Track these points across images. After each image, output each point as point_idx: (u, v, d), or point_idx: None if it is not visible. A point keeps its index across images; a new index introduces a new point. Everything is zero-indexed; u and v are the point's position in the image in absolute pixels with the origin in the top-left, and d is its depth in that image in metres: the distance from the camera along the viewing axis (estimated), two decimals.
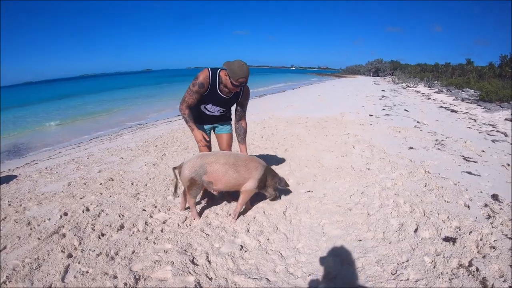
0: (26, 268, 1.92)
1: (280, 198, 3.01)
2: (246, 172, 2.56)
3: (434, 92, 14.93)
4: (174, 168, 2.57)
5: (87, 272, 1.92)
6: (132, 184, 3.51)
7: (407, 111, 8.87)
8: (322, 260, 2.03)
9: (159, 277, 1.90)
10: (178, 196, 2.80)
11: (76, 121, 11.48)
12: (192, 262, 2.05)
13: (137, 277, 1.87)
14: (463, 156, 4.30)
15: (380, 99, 12.33)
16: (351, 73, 52.25)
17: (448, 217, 2.46)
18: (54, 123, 11.00)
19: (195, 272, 1.94)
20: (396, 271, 1.85)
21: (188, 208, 2.76)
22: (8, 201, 3.02)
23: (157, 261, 2.04)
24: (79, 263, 1.99)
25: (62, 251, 2.12)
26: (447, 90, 14.79)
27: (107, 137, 7.40)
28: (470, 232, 2.22)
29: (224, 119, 2.93)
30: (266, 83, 30.73)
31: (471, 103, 10.25)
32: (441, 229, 2.28)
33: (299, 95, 16.28)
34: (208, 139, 2.72)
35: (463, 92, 13.40)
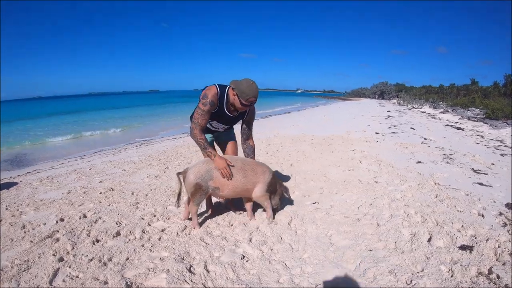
0: (15, 269, 1.82)
1: (282, 208, 2.87)
2: (254, 176, 2.48)
3: (440, 112, 14.85)
4: (178, 173, 2.47)
5: (77, 276, 1.79)
6: (133, 194, 3.42)
7: (413, 129, 8.77)
8: (330, 271, 1.88)
9: (152, 284, 1.76)
10: (179, 206, 2.70)
11: (82, 136, 11.58)
12: (189, 270, 1.91)
13: (129, 283, 1.74)
14: (473, 168, 4.20)
15: (386, 118, 12.27)
16: (356, 96, 52.71)
17: (462, 226, 2.32)
18: (61, 138, 11.11)
19: (191, 281, 1.80)
20: (411, 281, 1.68)
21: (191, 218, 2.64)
22: (6, 206, 2.95)
23: (151, 268, 1.90)
24: (69, 267, 1.87)
25: (53, 254, 2.01)
26: (452, 110, 14.71)
27: (111, 151, 7.40)
28: (487, 240, 2.07)
29: (227, 129, 2.87)
30: (271, 105, 31.07)
31: (477, 121, 10.13)
32: (456, 238, 2.13)
33: (305, 116, 16.32)
34: (232, 165, 2.45)
35: (468, 111, 13.31)
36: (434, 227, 2.31)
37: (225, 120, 2.61)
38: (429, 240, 2.13)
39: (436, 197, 3.00)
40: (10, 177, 4.49)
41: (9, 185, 3.74)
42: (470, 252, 1.93)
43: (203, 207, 2.95)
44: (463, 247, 1.99)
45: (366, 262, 1.92)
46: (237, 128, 2.81)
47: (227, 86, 2.49)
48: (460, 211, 2.63)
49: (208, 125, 2.65)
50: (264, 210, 2.73)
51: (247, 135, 2.79)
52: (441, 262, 1.85)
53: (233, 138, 2.94)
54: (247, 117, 2.69)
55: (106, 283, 1.74)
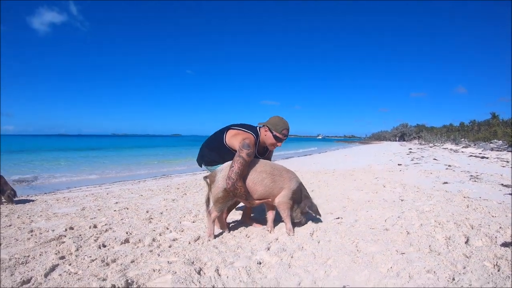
0: (12, 261, 1.71)
1: (306, 223, 2.62)
2: (281, 181, 2.37)
3: (462, 147, 14.22)
4: (205, 177, 2.37)
5: (76, 273, 1.64)
6: (147, 212, 3.31)
7: (436, 159, 8.34)
8: (359, 273, 1.62)
9: (156, 285, 1.56)
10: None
11: (104, 169, 11.81)
12: (198, 273, 1.70)
13: (129, 281, 1.56)
14: (502, 184, 3.87)
15: (407, 154, 11.85)
16: (377, 139, 51.95)
17: (500, 227, 2.05)
18: (81, 168, 11.45)
19: (199, 282, 1.59)
20: (453, 278, 1.41)
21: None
22: (18, 216, 2.93)
23: (157, 269, 1.72)
24: (69, 264, 1.74)
25: (55, 253, 1.89)
26: (474, 144, 14.08)
27: (131, 181, 7.45)
28: None
29: None
30: (292, 148, 31.07)
31: (500, 151, 9.56)
32: (495, 238, 1.85)
33: (326, 156, 16.03)
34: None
35: (491, 144, 12.66)
36: (470, 231, 2.04)
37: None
38: (467, 242, 1.87)
39: (467, 207, 2.75)
40: (28, 195, 4.54)
41: (25, 201, 3.77)
42: None
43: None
44: (505, 244, 1.73)
45: (399, 264, 1.64)
46: None
47: (255, 127, 2.48)
48: (495, 216, 2.38)
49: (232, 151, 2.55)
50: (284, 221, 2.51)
51: (268, 159, 2.71)
52: (484, 259, 1.59)
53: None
54: (268, 154, 2.65)
55: (104, 280, 1.57)
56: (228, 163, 2.33)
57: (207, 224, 2.39)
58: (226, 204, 2.31)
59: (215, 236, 2.39)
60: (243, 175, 2.24)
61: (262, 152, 2.55)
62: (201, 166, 2.69)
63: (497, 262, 1.55)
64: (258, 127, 2.46)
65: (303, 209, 2.49)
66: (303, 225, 2.57)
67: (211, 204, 2.37)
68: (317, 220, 2.79)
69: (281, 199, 2.37)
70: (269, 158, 2.66)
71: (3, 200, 3.61)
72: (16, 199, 3.73)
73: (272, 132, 2.34)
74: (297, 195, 2.44)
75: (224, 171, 2.29)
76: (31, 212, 3.17)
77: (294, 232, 2.41)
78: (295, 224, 2.53)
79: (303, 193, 2.51)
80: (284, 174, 2.41)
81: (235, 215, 3.09)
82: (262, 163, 2.37)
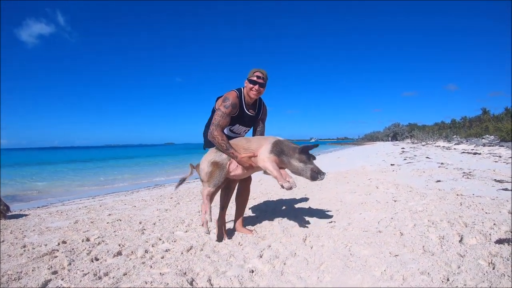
0: (5, 277, 1.70)
1: (322, 179, 2.18)
2: (257, 142, 2.34)
3: (454, 144, 14.46)
4: (191, 164, 2.49)
5: None
6: (140, 223, 3.28)
7: (429, 158, 8.46)
8: (352, 277, 1.63)
9: None
10: (176, 188, 2.67)
11: (96, 181, 11.68)
12: (191, 284, 1.70)
13: None
14: (495, 179, 3.94)
15: (400, 153, 11.96)
16: (370, 140, 52.42)
17: (494, 224, 2.08)
18: (71, 181, 11.31)
19: None
20: (447, 278, 1.43)
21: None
22: (11, 231, 2.89)
23: (149, 281, 1.72)
24: (62, 279, 1.72)
25: (48, 268, 1.87)
26: (466, 141, 14.32)
27: (124, 192, 7.37)
28: None
29: (246, 132, 2.82)
30: None
31: (493, 145, 9.75)
32: (490, 235, 1.88)
33: (318, 160, 16.03)
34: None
35: (483, 139, 12.91)
36: (464, 229, 2.08)
37: (246, 121, 2.58)
38: (461, 240, 1.89)
39: (460, 204, 2.79)
40: (20, 210, 4.47)
41: (17, 216, 3.72)
42: (509, 244, 1.67)
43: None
44: (500, 241, 1.75)
45: (392, 266, 1.67)
46: None
47: (242, 87, 2.55)
48: (489, 213, 2.42)
49: (229, 132, 2.61)
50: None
51: (261, 132, 2.72)
52: (479, 257, 1.61)
53: None
54: (262, 115, 2.67)
55: None
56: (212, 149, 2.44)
57: (203, 201, 2.33)
58: (220, 176, 2.31)
59: (209, 231, 2.39)
60: (222, 126, 2.35)
61: (251, 107, 2.56)
62: (204, 149, 2.70)
63: (491, 260, 1.56)
64: (242, 87, 2.54)
65: (300, 158, 2.18)
66: (319, 178, 2.15)
67: (215, 212, 2.48)
68: (310, 224, 2.81)
69: (261, 155, 2.22)
70: (264, 114, 2.68)
71: None
72: (9, 214, 3.68)
73: (248, 80, 2.44)
74: (280, 147, 2.21)
75: (204, 155, 2.41)
76: (24, 227, 3.12)
77: (293, 184, 2.10)
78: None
79: (289, 145, 2.24)
80: (261, 138, 2.38)
81: (227, 224, 3.09)
82: (236, 140, 2.41)
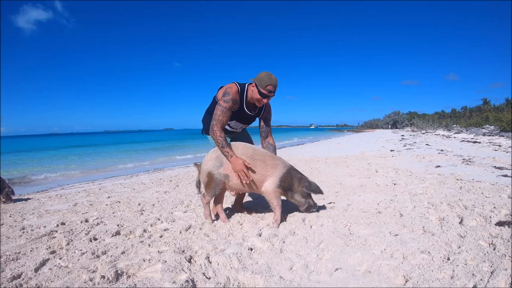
0: (3, 258, 1.70)
1: (318, 211, 2.47)
2: (263, 169, 2.26)
3: (454, 133, 14.42)
4: (196, 164, 2.45)
5: (66, 266, 1.62)
6: (139, 204, 3.28)
7: (428, 145, 8.45)
8: (352, 255, 1.63)
9: (146, 274, 1.55)
10: (200, 192, 2.53)
11: (96, 166, 11.71)
12: (189, 261, 1.70)
13: (119, 272, 1.54)
14: (495, 166, 3.95)
15: (400, 140, 11.96)
16: (369, 128, 52.30)
17: (494, 207, 2.07)
18: (72, 166, 11.35)
19: (189, 270, 1.58)
20: (448, 258, 1.42)
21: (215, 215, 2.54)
22: (10, 214, 2.90)
23: (147, 259, 1.71)
24: (60, 259, 1.71)
25: (46, 249, 1.87)
26: (466, 130, 14.29)
27: (123, 176, 7.39)
28: None
29: (244, 129, 2.74)
30: (284, 138, 31.10)
31: (492, 135, 9.72)
32: (490, 217, 1.89)
33: (318, 146, 16.06)
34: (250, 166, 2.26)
35: (483, 129, 12.87)
36: (464, 211, 2.07)
37: (244, 118, 2.49)
38: (461, 222, 1.90)
39: (460, 188, 2.79)
40: (20, 195, 4.47)
41: (17, 200, 3.75)
42: (509, 226, 1.66)
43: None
44: (500, 223, 1.75)
45: (392, 245, 1.66)
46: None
47: (246, 83, 2.41)
48: (488, 197, 2.41)
49: (226, 126, 2.51)
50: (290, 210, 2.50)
51: (266, 132, 2.60)
52: (479, 238, 1.61)
53: (249, 138, 2.79)
54: (264, 113, 2.55)
55: (94, 271, 1.55)
56: (213, 148, 2.37)
57: (203, 206, 2.44)
58: (215, 188, 2.29)
59: (213, 220, 2.42)
60: (222, 122, 2.26)
61: (253, 108, 2.45)
62: (202, 134, 2.67)
63: (492, 241, 1.56)
64: (248, 83, 2.39)
65: (302, 192, 2.33)
66: (316, 211, 2.43)
67: (202, 187, 2.40)
68: None
69: (267, 189, 2.26)
70: (268, 113, 2.57)
71: (2, 199, 3.57)
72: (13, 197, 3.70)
73: (258, 88, 2.27)
74: (287, 181, 2.30)
75: (206, 155, 2.34)
76: (23, 211, 3.12)
77: (279, 224, 2.26)
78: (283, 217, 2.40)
79: (296, 176, 2.33)
80: (268, 160, 2.29)
81: (226, 203, 3.08)
82: (244, 146, 2.31)
